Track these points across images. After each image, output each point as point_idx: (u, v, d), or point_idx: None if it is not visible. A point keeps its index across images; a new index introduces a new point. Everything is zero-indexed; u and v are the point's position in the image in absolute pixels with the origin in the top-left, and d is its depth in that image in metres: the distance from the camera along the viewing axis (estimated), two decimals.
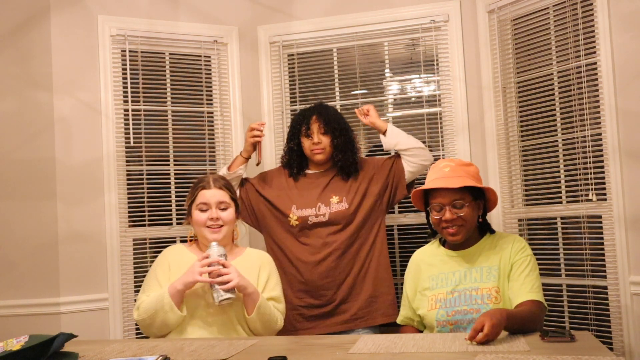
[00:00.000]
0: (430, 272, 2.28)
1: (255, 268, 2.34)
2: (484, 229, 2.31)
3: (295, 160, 2.86)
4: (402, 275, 2.49)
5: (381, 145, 3.34)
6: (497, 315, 1.84)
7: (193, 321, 2.23)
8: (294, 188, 2.83)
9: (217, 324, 2.24)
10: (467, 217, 2.18)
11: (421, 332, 2.31)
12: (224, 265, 2.18)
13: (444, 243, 2.33)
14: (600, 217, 2.78)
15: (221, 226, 2.32)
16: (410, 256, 2.46)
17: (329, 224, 2.74)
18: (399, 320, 2.40)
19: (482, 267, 2.19)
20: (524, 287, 2.12)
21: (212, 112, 3.47)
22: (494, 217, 3.14)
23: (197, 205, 2.34)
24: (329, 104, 3.13)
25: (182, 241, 2.49)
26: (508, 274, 2.17)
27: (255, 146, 2.85)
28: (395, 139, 2.82)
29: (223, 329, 2.24)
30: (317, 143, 2.78)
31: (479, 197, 2.24)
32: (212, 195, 2.33)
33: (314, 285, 2.72)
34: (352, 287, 2.73)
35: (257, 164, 2.91)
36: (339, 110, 3.02)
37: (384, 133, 2.84)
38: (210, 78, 3.47)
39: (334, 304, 2.72)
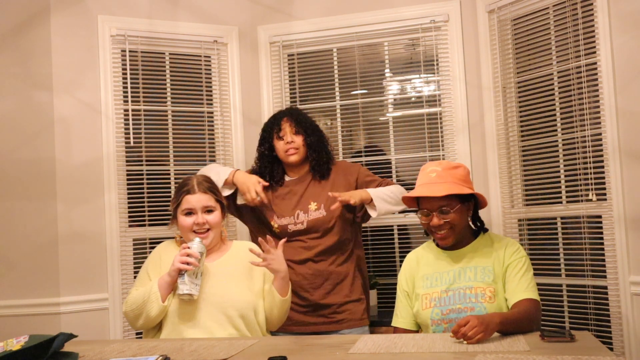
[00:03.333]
0: (425, 271, 2.28)
1: (245, 260, 2.32)
2: (478, 228, 2.31)
3: (267, 166, 2.78)
4: None
5: (377, 147, 3.35)
6: (488, 316, 1.86)
7: (190, 323, 2.21)
8: (273, 198, 2.76)
9: (216, 324, 2.23)
10: (455, 222, 2.19)
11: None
12: (192, 255, 2.18)
13: (437, 243, 2.33)
14: (600, 217, 2.78)
15: (208, 230, 2.29)
16: None
17: (308, 231, 2.70)
18: (393, 324, 2.37)
19: (476, 266, 2.20)
20: (519, 286, 2.14)
21: (212, 112, 3.47)
22: (494, 217, 3.15)
23: (182, 210, 2.30)
24: (329, 103, 3.13)
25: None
26: (503, 276, 2.18)
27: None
28: (384, 207, 2.65)
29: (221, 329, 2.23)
30: (291, 142, 2.72)
31: (468, 199, 2.25)
32: (197, 200, 2.29)
33: (296, 285, 2.72)
34: (329, 292, 2.70)
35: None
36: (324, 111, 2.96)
37: (369, 203, 2.63)
38: (210, 78, 3.47)
39: (311, 308, 2.70)
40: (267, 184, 2.72)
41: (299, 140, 2.73)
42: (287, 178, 2.80)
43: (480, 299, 2.13)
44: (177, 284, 2.18)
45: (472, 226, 2.31)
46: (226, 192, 2.69)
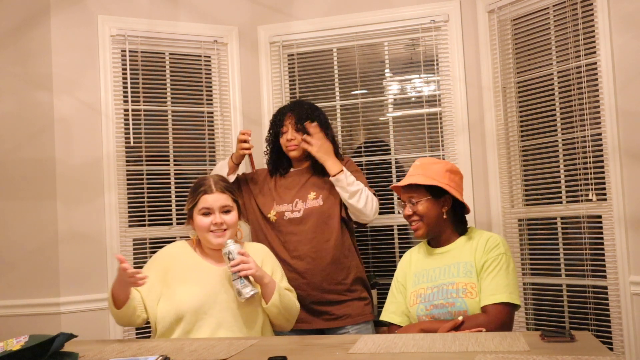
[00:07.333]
0: (415, 269, 2.34)
1: (258, 261, 2.32)
2: (461, 228, 2.34)
3: (274, 159, 2.85)
4: None
5: (377, 144, 3.33)
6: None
7: (209, 320, 2.21)
8: (276, 186, 2.82)
9: (237, 322, 2.23)
10: (423, 213, 2.28)
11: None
12: (244, 255, 2.20)
13: (428, 242, 2.38)
14: (600, 217, 2.78)
15: (225, 230, 2.28)
16: None
17: (304, 220, 2.71)
18: (383, 317, 2.37)
19: (459, 262, 2.25)
20: (489, 289, 2.15)
21: (212, 112, 3.47)
22: (494, 217, 3.15)
23: (199, 210, 2.28)
24: (329, 103, 3.12)
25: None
26: (479, 274, 2.19)
27: (244, 156, 2.83)
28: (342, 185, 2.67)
29: (244, 327, 2.23)
30: (291, 140, 2.76)
31: (442, 195, 2.29)
32: (214, 199, 2.28)
33: (293, 283, 2.72)
34: (327, 291, 2.71)
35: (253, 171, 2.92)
36: (318, 107, 2.89)
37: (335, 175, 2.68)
38: (210, 78, 3.47)
39: (308, 305, 2.71)
40: (249, 131, 2.80)
41: (299, 137, 2.77)
42: (292, 169, 2.85)
43: (461, 294, 2.16)
44: (236, 289, 2.18)
45: (459, 224, 2.34)
46: (231, 178, 2.77)
